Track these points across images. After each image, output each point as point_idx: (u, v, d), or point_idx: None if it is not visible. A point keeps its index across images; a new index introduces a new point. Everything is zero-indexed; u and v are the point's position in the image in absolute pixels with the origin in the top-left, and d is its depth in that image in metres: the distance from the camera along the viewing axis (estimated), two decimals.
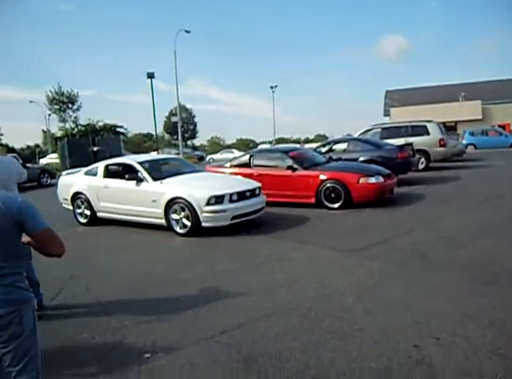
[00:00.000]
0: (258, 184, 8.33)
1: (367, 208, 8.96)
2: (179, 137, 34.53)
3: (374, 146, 12.41)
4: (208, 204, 7.32)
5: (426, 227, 7.29)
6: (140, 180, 8.16)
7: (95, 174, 9.14)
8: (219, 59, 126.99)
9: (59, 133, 34.78)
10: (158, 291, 5.14)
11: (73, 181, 9.53)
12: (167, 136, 66.39)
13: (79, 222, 9.33)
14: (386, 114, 48.01)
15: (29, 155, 53.37)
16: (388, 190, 9.41)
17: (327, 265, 5.62)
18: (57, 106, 41.32)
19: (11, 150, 63.28)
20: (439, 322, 3.72)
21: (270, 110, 64.93)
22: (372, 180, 9.08)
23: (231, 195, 7.51)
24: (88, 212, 9.16)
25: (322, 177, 9.37)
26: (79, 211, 9.33)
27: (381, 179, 9.17)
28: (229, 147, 59.01)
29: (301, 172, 9.64)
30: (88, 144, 28.49)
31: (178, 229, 7.64)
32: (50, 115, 43.46)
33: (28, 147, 65.19)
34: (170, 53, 33.73)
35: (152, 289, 5.23)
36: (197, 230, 7.46)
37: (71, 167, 18.00)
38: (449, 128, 41.13)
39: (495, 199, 9.34)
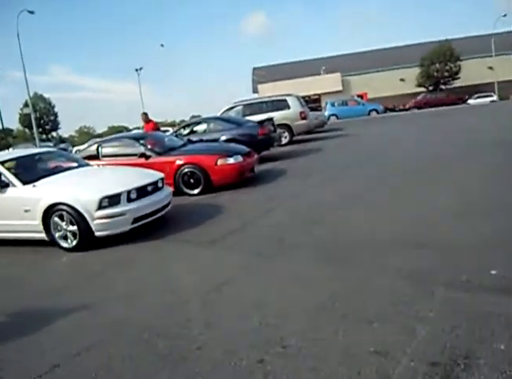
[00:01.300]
0: (161, 175, 6.96)
1: (229, 191, 8.46)
2: (35, 130, 31.16)
3: (235, 124, 11.92)
4: (100, 207, 5.80)
5: (285, 205, 6.98)
6: (4, 185, 6.32)
7: None
8: (81, 44, 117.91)
9: None
10: None
11: None
12: (27, 130, 60.14)
13: None
14: (255, 90, 48.64)
15: None
16: (248, 169, 8.98)
17: (180, 265, 4.95)
18: None
19: None
20: (290, 322, 3.25)
21: (141, 93, 62.10)
22: (231, 160, 8.56)
23: (128, 193, 6.03)
24: None
25: (179, 162, 8.64)
26: None
27: (240, 159, 8.69)
28: (100, 136, 55.18)
29: (155, 159, 8.79)
30: None
31: (63, 244, 6.03)
32: None
33: None
34: (22, 38, 29.70)
35: None
36: (88, 241, 5.91)
37: None
38: (315, 100, 43.00)
39: (351, 168, 9.44)
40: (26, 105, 43.53)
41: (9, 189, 6.31)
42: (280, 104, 15.26)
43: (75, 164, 7.56)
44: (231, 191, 8.44)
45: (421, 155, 9.84)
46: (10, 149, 30.04)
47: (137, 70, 50.65)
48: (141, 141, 9.13)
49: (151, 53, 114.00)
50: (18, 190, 6.28)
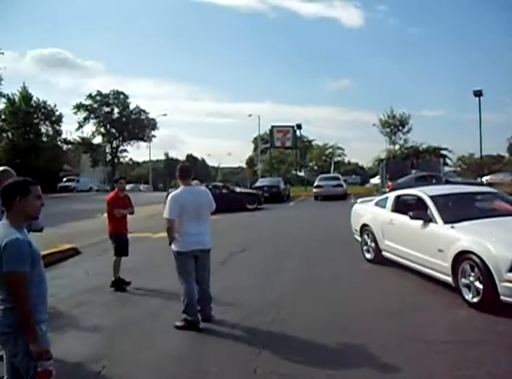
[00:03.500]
0: None
1: None
2: None
3: None
4: None
5: None
6: (428, 220, 6.34)
7: (384, 206, 7.83)
8: None
9: (382, 155, 36.08)
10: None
11: (363, 211, 8.70)
12: None
13: (365, 257, 8.22)
14: None
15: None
16: None
17: None
18: (388, 130, 42.58)
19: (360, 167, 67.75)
20: None
21: None
22: None
23: None
24: (373, 248, 7.94)
25: None
26: (365, 245, 8.24)
27: None
28: None
29: None
30: (407, 167, 28.61)
31: (466, 295, 5.42)
32: (390, 138, 45.11)
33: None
34: None
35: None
36: (491, 303, 5.07)
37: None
38: None
39: None
40: None
41: (431, 225, 6.30)
42: None
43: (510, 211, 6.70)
44: None
45: None
46: (483, 178, 30.28)
47: None
48: None
49: None
50: (438, 228, 6.18)
